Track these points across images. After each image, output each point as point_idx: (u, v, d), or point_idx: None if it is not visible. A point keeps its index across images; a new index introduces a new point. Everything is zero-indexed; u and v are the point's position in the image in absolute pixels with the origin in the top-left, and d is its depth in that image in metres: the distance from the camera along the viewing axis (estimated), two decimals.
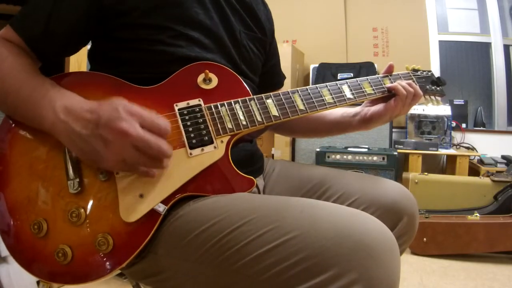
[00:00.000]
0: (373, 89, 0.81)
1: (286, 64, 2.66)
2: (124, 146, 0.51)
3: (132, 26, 0.67)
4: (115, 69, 0.68)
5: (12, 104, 0.59)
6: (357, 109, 0.87)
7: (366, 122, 0.85)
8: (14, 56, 0.62)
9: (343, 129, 0.90)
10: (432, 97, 0.94)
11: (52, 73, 0.65)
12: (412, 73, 0.90)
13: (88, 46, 0.77)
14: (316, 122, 0.93)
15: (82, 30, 0.67)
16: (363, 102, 0.84)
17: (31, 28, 0.63)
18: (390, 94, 0.82)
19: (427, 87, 0.91)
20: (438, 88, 0.93)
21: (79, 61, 1.38)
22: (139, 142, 0.51)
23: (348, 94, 0.78)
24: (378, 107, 0.83)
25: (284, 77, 1.02)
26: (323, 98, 0.75)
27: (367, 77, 0.83)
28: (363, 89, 0.80)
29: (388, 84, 0.83)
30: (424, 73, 0.93)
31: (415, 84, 0.84)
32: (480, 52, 3.06)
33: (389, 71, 0.87)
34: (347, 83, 0.80)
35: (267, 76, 0.93)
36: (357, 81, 0.81)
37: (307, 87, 0.75)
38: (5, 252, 1.26)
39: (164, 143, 0.54)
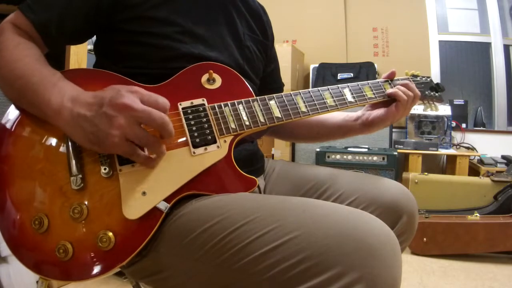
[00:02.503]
0: (374, 93, 0.82)
1: (286, 64, 2.66)
2: (128, 120, 0.52)
3: (141, 19, 0.68)
4: (119, 64, 0.69)
5: (20, 88, 0.59)
6: (358, 113, 0.88)
7: (368, 125, 0.85)
8: (26, 44, 0.63)
9: (345, 132, 0.90)
10: (431, 102, 0.95)
11: None
12: (411, 78, 0.92)
13: (88, 46, 0.77)
14: (317, 126, 0.93)
15: (92, 18, 0.68)
16: (364, 105, 0.85)
17: (41, 13, 0.64)
18: (390, 99, 0.83)
19: (426, 92, 0.93)
20: (437, 94, 0.95)
21: (79, 61, 1.38)
22: (142, 113, 0.52)
23: (349, 97, 0.79)
24: (380, 111, 0.83)
25: (283, 84, 1.04)
26: (325, 101, 0.76)
27: (368, 81, 0.84)
28: (364, 93, 0.81)
29: (388, 88, 0.84)
30: (423, 79, 0.95)
31: (412, 83, 0.85)
32: (480, 52, 3.06)
33: (391, 77, 0.87)
34: (348, 86, 0.81)
35: (267, 81, 0.95)
36: (358, 85, 0.82)
37: (309, 89, 0.76)
38: (5, 252, 1.26)
39: (165, 115, 0.54)
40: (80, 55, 1.38)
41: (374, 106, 0.86)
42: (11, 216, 0.57)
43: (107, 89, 0.55)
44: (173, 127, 0.56)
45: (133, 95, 0.53)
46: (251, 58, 0.83)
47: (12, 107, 0.63)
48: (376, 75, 2.78)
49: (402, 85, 0.83)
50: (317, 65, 2.94)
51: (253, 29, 0.86)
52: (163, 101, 0.55)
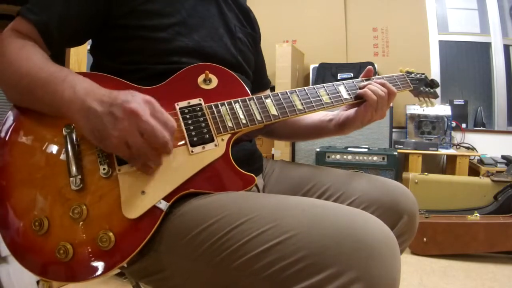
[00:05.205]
0: None
1: (286, 64, 2.66)
2: (131, 126, 0.52)
3: (136, 12, 0.69)
4: (117, 61, 0.70)
5: (27, 86, 0.60)
6: (334, 113, 0.88)
7: (341, 126, 0.85)
8: (31, 46, 0.64)
9: (320, 133, 0.90)
10: (426, 98, 0.96)
11: None
12: (406, 75, 0.92)
13: (88, 46, 0.78)
14: (295, 125, 0.93)
15: (91, 17, 0.68)
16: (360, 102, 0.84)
17: (42, 14, 0.64)
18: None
19: (421, 88, 0.93)
20: (431, 90, 0.96)
21: (78, 61, 1.38)
22: (146, 125, 0.52)
23: (344, 94, 0.80)
24: (350, 112, 0.83)
25: (270, 81, 1.05)
26: (321, 98, 0.77)
27: (362, 78, 0.85)
28: (359, 90, 0.81)
29: None
30: (418, 75, 0.95)
31: (388, 84, 0.83)
32: (480, 52, 3.06)
33: (368, 75, 0.86)
34: (343, 83, 0.81)
35: (258, 75, 0.96)
36: (352, 82, 0.83)
37: (305, 87, 0.77)
38: (5, 252, 1.27)
39: (168, 134, 0.54)
40: (80, 55, 1.38)
41: (349, 106, 0.85)
42: (11, 219, 0.57)
43: (124, 91, 0.55)
44: (172, 147, 0.56)
45: (145, 105, 0.53)
46: (243, 50, 0.84)
47: (10, 114, 0.63)
48: (376, 75, 2.78)
49: (379, 83, 0.81)
50: (317, 65, 2.94)
51: (242, 22, 0.89)
52: (172, 123, 0.55)
